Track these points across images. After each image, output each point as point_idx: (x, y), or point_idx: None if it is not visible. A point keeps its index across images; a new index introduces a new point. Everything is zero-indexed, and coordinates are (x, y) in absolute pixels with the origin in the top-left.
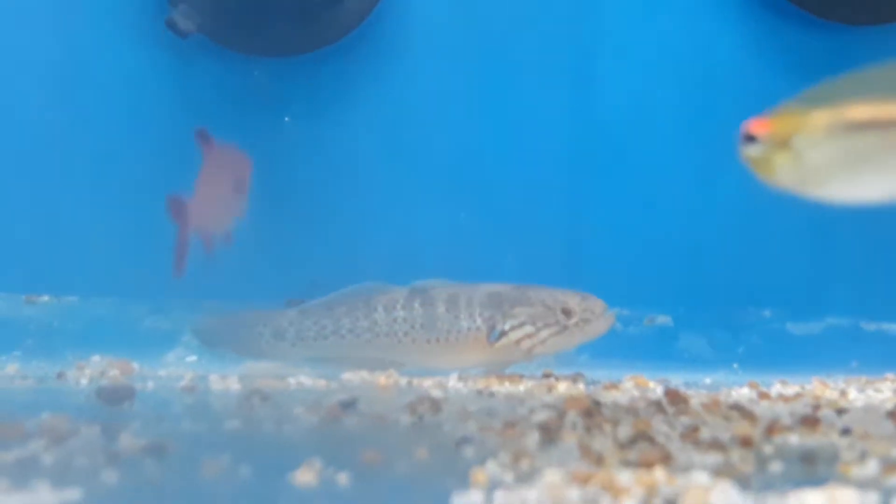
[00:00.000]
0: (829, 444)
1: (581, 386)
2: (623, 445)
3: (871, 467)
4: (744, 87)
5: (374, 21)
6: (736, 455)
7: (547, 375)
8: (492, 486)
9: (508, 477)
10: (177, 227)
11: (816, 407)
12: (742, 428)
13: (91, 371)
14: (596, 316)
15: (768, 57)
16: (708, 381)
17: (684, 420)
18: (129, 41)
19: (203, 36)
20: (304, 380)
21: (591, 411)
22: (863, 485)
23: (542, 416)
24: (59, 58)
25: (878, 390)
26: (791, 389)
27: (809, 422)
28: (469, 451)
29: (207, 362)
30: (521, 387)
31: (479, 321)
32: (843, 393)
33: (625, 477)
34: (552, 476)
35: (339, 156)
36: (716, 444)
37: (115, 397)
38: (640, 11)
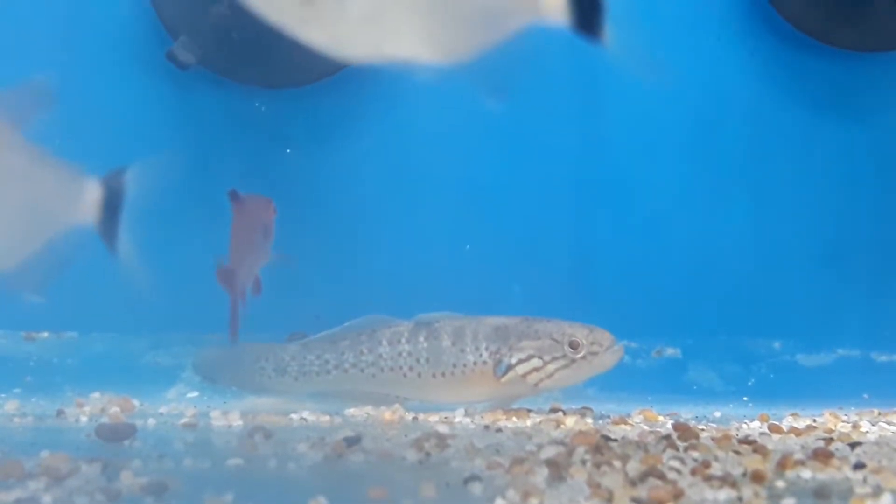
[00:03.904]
0: (842, 478)
1: (589, 420)
2: (633, 482)
3: (885, 502)
4: (749, 113)
5: None
6: (748, 491)
7: (555, 410)
8: None
9: None
10: (228, 295)
11: (829, 440)
12: (753, 462)
13: (91, 408)
14: (604, 349)
15: (774, 82)
16: (718, 414)
17: (695, 455)
18: (130, 73)
19: (204, 68)
20: (307, 415)
21: (600, 447)
22: None
23: (550, 452)
24: (59, 89)
25: (890, 423)
26: (803, 422)
27: (822, 455)
28: (477, 489)
29: (209, 398)
30: (529, 421)
31: (485, 355)
32: (856, 425)
33: None
34: None
35: (342, 187)
36: (727, 480)
37: (115, 435)
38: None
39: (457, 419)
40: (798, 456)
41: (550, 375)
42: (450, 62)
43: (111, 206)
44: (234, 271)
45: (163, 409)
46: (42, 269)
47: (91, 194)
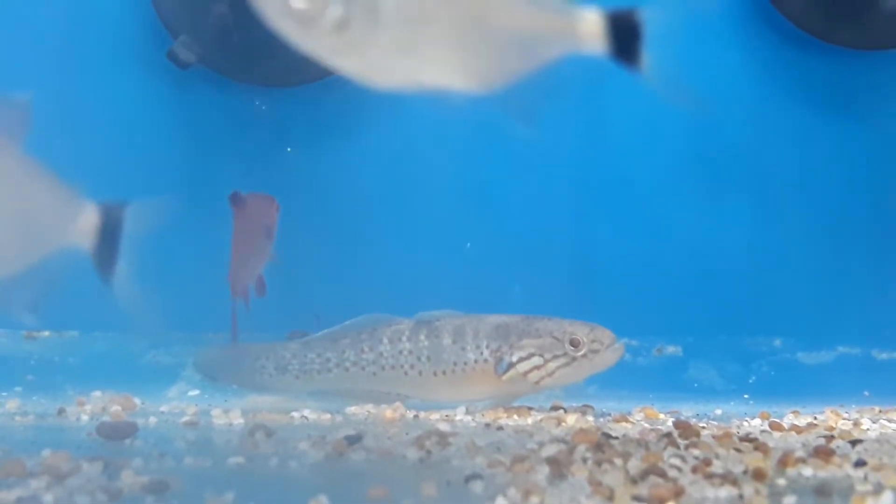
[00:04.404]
0: (843, 475)
1: (590, 418)
2: (634, 480)
3: (886, 499)
4: (750, 112)
5: None
6: (749, 488)
7: (555, 408)
8: None
9: None
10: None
11: (830, 438)
12: (754, 460)
13: (92, 407)
14: (605, 347)
15: (774, 81)
16: (719, 412)
17: (696, 453)
18: (130, 72)
19: (204, 67)
20: (308, 414)
21: (601, 445)
22: None
23: (551, 450)
24: (60, 90)
25: (891, 420)
26: (803, 420)
27: (823, 453)
28: (478, 487)
29: (210, 396)
30: (530, 420)
31: (486, 353)
32: (857, 423)
33: None
34: None
35: (343, 185)
36: (728, 478)
37: (116, 434)
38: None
39: (458, 417)
40: (799, 454)
41: (551, 373)
42: (484, 90)
43: (108, 234)
44: (235, 275)
45: (164, 408)
46: (33, 286)
47: (88, 219)
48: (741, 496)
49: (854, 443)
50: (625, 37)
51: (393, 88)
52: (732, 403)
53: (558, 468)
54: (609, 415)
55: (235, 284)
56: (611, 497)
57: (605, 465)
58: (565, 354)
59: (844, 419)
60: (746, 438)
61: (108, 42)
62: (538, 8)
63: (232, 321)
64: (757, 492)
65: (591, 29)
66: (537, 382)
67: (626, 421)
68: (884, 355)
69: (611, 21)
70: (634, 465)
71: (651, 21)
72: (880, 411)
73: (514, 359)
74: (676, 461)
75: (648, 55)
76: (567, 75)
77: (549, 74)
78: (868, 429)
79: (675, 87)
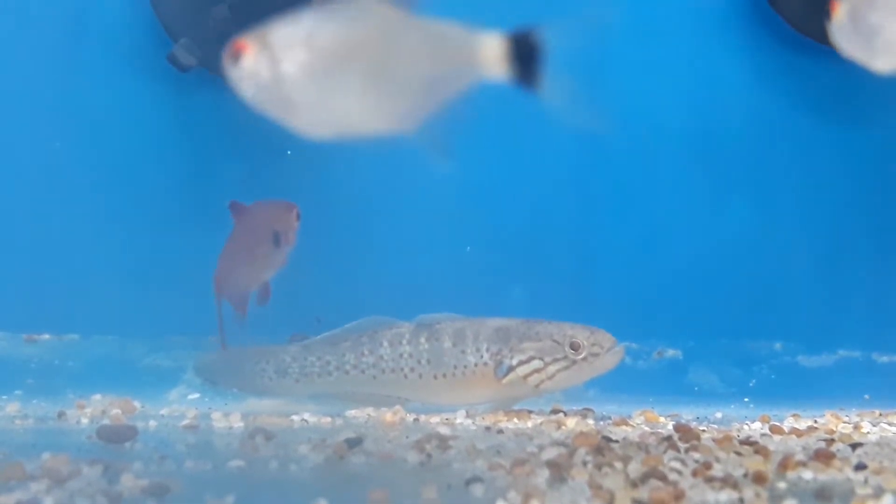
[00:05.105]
0: (843, 479)
1: (590, 422)
2: (634, 483)
3: (886, 503)
4: (750, 115)
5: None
6: (749, 492)
7: (556, 411)
8: None
9: None
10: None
11: (830, 441)
12: (755, 463)
13: (92, 410)
14: (605, 350)
15: (775, 85)
16: (719, 415)
17: (696, 456)
18: (131, 75)
19: (205, 70)
20: (308, 417)
21: (602, 448)
22: None
23: (551, 453)
24: (60, 93)
25: (891, 423)
26: (804, 423)
27: (823, 456)
28: (478, 490)
29: (210, 400)
30: (530, 423)
31: (486, 356)
32: (857, 426)
33: None
34: None
35: (342, 188)
36: (729, 481)
37: (116, 437)
38: (646, 41)
39: (458, 420)
40: (799, 457)
41: (551, 377)
42: (403, 129)
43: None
44: (219, 278)
45: (164, 411)
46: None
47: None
48: (741, 499)
49: (854, 446)
50: (525, 64)
51: (321, 138)
52: (733, 407)
53: (558, 471)
54: (609, 418)
55: (219, 287)
56: (611, 500)
57: (606, 469)
58: (565, 358)
59: (845, 422)
60: (747, 442)
61: (108, 45)
62: (440, 42)
63: (218, 325)
64: (757, 495)
65: (492, 59)
66: (537, 386)
67: (627, 424)
68: (884, 359)
69: (513, 43)
70: (635, 468)
71: (551, 41)
72: (881, 414)
73: (515, 362)
74: (677, 464)
75: (548, 80)
76: (480, 103)
77: (463, 104)
78: (868, 432)
79: (576, 109)
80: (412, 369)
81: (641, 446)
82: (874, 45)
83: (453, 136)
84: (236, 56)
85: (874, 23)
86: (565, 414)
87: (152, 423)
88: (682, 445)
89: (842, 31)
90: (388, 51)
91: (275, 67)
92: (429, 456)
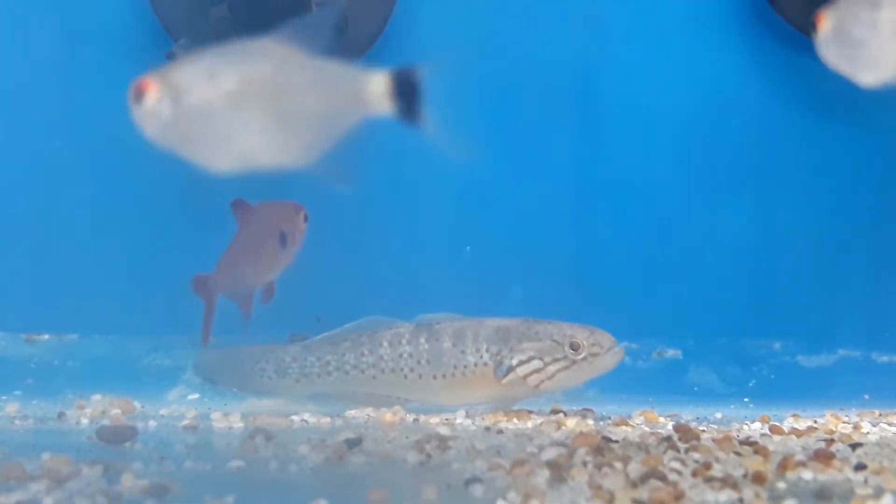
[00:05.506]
0: (843, 479)
1: (590, 422)
2: (634, 483)
3: (886, 503)
4: (751, 114)
5: (377, 51)
6: (749, 492)
7: (555, 411)
8: None
9: None
10: (203, 302)
11: (830, 441)
12: (755, 464)
13: (92, 410)
14: (605, 350)
15: (775, 83)
16: (719, 415)
17: (696, 456)
18: (130, 75)
19: None
20: (308, 417)
21: (601, 448)
22: None
23: (551, 453)
24: (59, 93)
25: (891, 423)
26: (804, 423)
27: (823, 456)
28: (478, 491)
29: (210, 400)
30: (530, 423)
31: (486, 356)
32: (857, 426)
33: None
34: None
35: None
36: (728, 481)
37: (116, 437)
38: (645, 39)
39: (458, 421)
40: (799, 457)
41: (551, 377)
42: (303, 162)
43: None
44: (206, 279)
45: (164, 411)
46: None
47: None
48: (741, 500)
49: (854, 446)
50: (407, 101)
51: (224, 173)
52: (732, 407)
53: (558, 472)
54: (609, 418)
55: (216, 285)
56: (611, 500)
57: (606, 469)
58: (565, 358)
59: (844, 423)
60: (746, 442)
61: (108, 45)
62: (333, 80)
63: (204, 324)
64: (757, 495)
65: (379, 98)
66: (537, 386)
67: (627, 424)
68: (884, 358)
69: (395, 80)
70: (634, 468)
71: (430, 78)
72: (880, 415)
73: (514, 362)
74: (676, 465)
75: (428, 116)
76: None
77: (358, 136)
78: (868, 432)
79: (453, 142)
80: (412, 369)
81: (641, 446)
82: (859, 58)
83: (349, 164)
84: (138, 95)
85: (859, 37)
86: (565, 414)
87: (152, 424)
88: (681, 446)
89: (827, 44)
90: (286, 88)
91: (176, 106)
92: (428, 456)
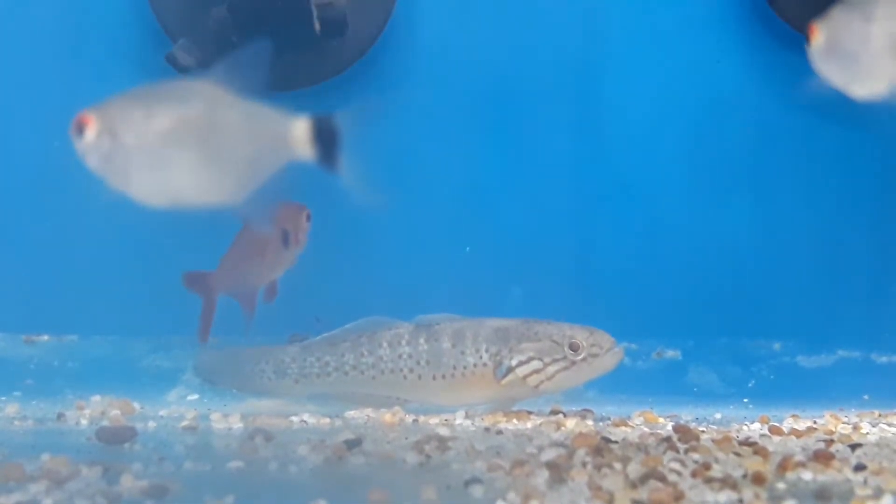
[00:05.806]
0: (842, 479)
1: (590, 422)
2: (634, 484)
3: (886, 503)
4: (749, 115)
5: (376, 54)
6: (749, 492)
7: (555, 412)
8: None
9: None
10: (201, 297)
11: (829, 442)
12: (754, 464)
13: (91, 411)
14: (604, 351)
15: (775, 85)
16: (718, 416)
17: (695, 457)
18: (130, 76)
19: (204, 71)
20: (307, 418)
21: (601, 449)
22: None
23: (551, 454)
24: (59, 93)
25: (891, 424)
26: (803, 424)
27: (822, 457)
28: (478, 491)
29: (209, 401)
30: (529, 424)
31: (485, 357)
32: (856, 427)
33: None
34: None
35: (341, 189)
36: (728, 482)
37: (115, 438)
38: (645, 40)
39: (457, 421)
40: (799, 457)
41: (551, 377)
42: (231, 200)
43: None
44: (203, 275)
45: (163, 412)
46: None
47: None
48: (741, 500)
49: (854, 447)
50: (326, 149)
51: (157, 208)
52: (732, 407)
53: (558, 472)
54: (608, 419)
55: (205, 286)
56: (610, 501)
57: (605, 470)
58: (565, 358)
59: (844, 423)
60: (746, 442)
61: (107, 45)
62: (259, 123)
63: (202, 322)
64: (756, 496)
65: (302, 145)
66: (537, 386)
67: (626, 425)
68: (883, 359)
69: (316, 126)
70: (634, 469)
71: (348, 124)
72: (880, 415)
73: (514, 363)
74: (676, 465)
75: (345, 162)
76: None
77: (282, 178)
78: (868, 433)
79: (367, 186)
80: (411, 370)
81: (641, 447)
82: (852, 71)
83: (274, 204)
84: (80, 129)
85: (851, 50)
86: (565, 415)
87: (151, 424)
88: (681, 446)
89: (820, 57)
90: (215, 129)
91: (114, 140)
92: (428, 457)
